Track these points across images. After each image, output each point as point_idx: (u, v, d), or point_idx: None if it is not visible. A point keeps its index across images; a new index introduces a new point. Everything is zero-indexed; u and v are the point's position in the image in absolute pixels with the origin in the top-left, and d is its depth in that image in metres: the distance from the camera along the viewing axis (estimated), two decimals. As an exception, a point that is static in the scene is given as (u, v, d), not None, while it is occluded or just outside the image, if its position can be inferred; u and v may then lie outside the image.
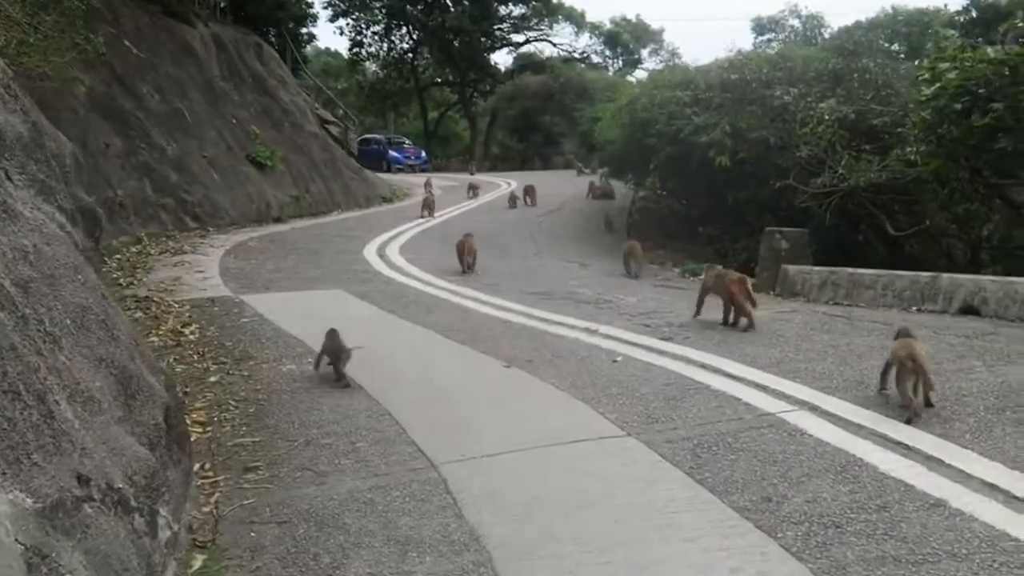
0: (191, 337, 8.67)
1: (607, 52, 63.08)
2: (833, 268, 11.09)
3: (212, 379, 7.18)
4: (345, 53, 62.14)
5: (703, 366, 6.93)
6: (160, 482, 3.69)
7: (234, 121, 22.48)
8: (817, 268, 11.29)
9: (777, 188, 14.02)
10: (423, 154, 49.83)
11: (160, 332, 8.90)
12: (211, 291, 11.04)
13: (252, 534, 4.14)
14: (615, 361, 7.23)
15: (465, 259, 13.21)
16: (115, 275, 12.08)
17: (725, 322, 8.59)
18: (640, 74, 55.95)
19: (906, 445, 4.91)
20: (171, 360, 7.72)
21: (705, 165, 15.34)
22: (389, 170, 42.32)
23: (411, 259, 14.12)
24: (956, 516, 3.99)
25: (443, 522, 4.17)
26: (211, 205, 18.65)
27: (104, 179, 15.24)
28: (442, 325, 8.95)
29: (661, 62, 61.70)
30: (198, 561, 3.90)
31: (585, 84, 49.41)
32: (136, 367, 4.19)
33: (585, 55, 60.62)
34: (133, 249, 14.26)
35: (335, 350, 7.04)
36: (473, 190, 28.81)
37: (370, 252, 14.92)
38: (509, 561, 3.76)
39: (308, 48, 45.89)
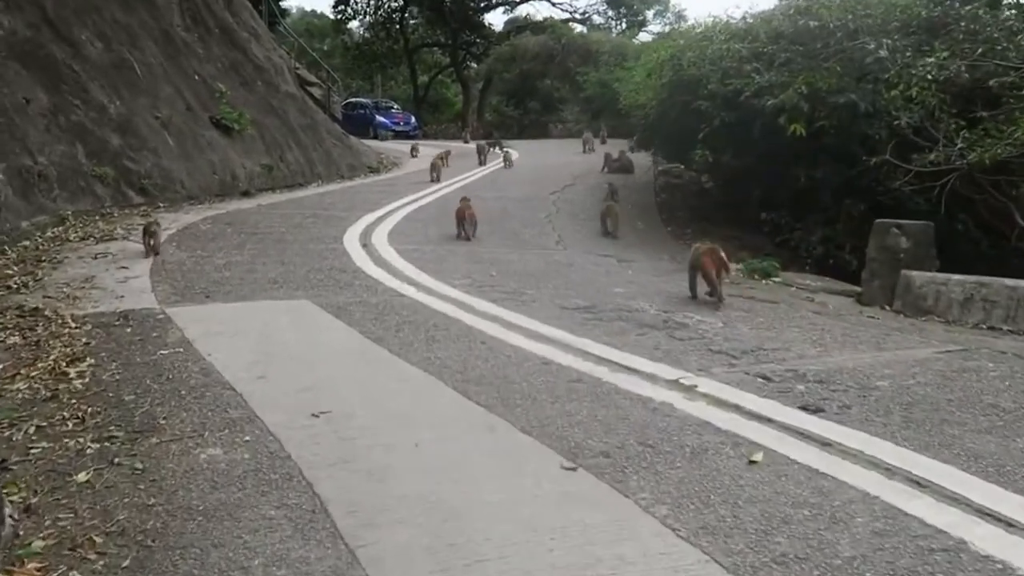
0: (77, 384, 5.70)
1: (609, 13, 59.64)
2: (981, 278, 8.12)
3: (82, 477, 4.25)
4: (330, 13, 58.63)
5: (919, 483, 3.96)
6: None
7: (196, 77, 19.33)
8: (957, 277, 8.33)
9: (873, 165, 11.04)
10: (413, 120, 46.72)
11: (34, 373, 5.97)
12: (130, 300, 8.00)
13: None
14: (752, 463, 4.26)
15: (465, 226, 12.47)
16: (8, 271, 9.04)
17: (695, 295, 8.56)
18: (644, 37, 52.62)
19: None
20: (29, 431, 4.86)
21: (770, 134, 12.32)
22: (376, 137, 39.04)
23: (404, 251, 11.07)
24: None
25: None
26: (163, 176, 15.54)
27: (20, 143, 12.15)
28: (453, 367, 5.98)
29: (667, 24, 58.44)
30: None
31: (589, 46, 46.14)
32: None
33: (586, 15, 57.20)
34: (49, 233, 11.17)
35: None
36: (481, 154, 26.78)
37: (352, 240, 11.86)
38: None
39: (288, 4, 42.54)
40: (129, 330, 7.01)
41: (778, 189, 12.92)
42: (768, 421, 4.85)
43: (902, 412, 5.00)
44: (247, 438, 4.68)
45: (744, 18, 14.75)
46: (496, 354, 6.36)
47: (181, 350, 6.46)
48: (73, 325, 7.13)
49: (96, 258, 9.92)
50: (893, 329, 7.61)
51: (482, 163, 26.48)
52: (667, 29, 55.63)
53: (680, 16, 59.80)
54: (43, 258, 9.73)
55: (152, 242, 10.36)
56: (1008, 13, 12.02)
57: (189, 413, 5.10)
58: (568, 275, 9.93)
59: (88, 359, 6.25)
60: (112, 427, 4.91)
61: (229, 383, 5.65)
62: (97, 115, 14.55)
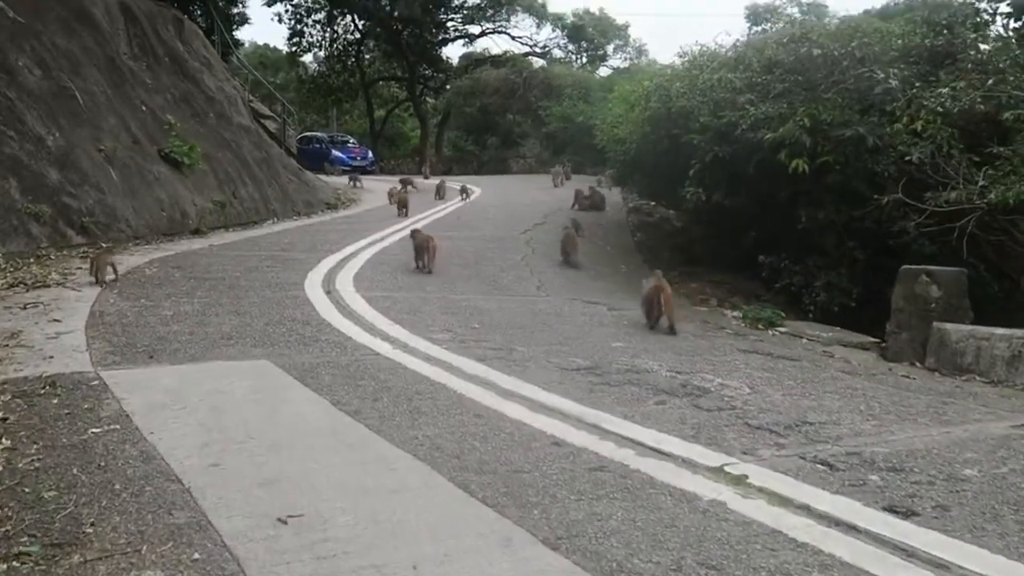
0: (-16, 476, 4.62)
1: (570, 47, 59.12)
2: (1030, 332, 7.25)
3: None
4: (283, 46, 57.61)
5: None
6: None
7: (144, 108, 18.16)
8: (1001, 331, 7.45)
9: (884, 204, 10.20)
10: (370, 154, 45.67)
11: (-66, 460, 4.86)
12: (59, 360, 6.85)
13: None
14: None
15: (426, 259, 12.31)
16: (-81, 327, 7.87)
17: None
18: (604, 71, 52.29)
19: None
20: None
21: (767, 171, 11.48)
22: (328, 173, 37.79)
23: (373, 299, 10.02)
24: None
25: None
26: (106, 213, 14.34)
27: (-58, 178, 10.94)
28: (447, 450, 4.97)
29: (627, 59, 58.18)
30: None
31: (551, 80, 45.51)
32: None
33: (547, 49, 56.55)
34: (-28, 279, 9.97)
35: None
36: (440, 192, 26.11)
37: (314, 286, 10.77)
38: None
39: (242, 37, 41.49)
40: (56, 400, 5.88)
41: (775, 230, 12.04)
42: (853, 530, 3.88)
43: (1014, 515, 4.05)
44: (196, 555, 3.65)
45: (735, 46, 13.96)
46: (496, 431, 5.35)
47: (117, 427, 5.36)
48: (-11, 394, 5.99)
49: (25, 308, 8.74)
50: (943, 395, 6.70)
51: (441, 197, 25.85)
52: (627, 64, 55.60)
53: (640, 51, 59.72)
54: (-38, 309, 8.54)
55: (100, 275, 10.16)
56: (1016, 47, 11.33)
57: (124, 517, 4.04)
58: (559, 327, 8.93)
59: (1, 440, 5.13)
60: (25, 537, 3.86)
61: (175, 473, 4.59)
62: (33, 147, 13.37)
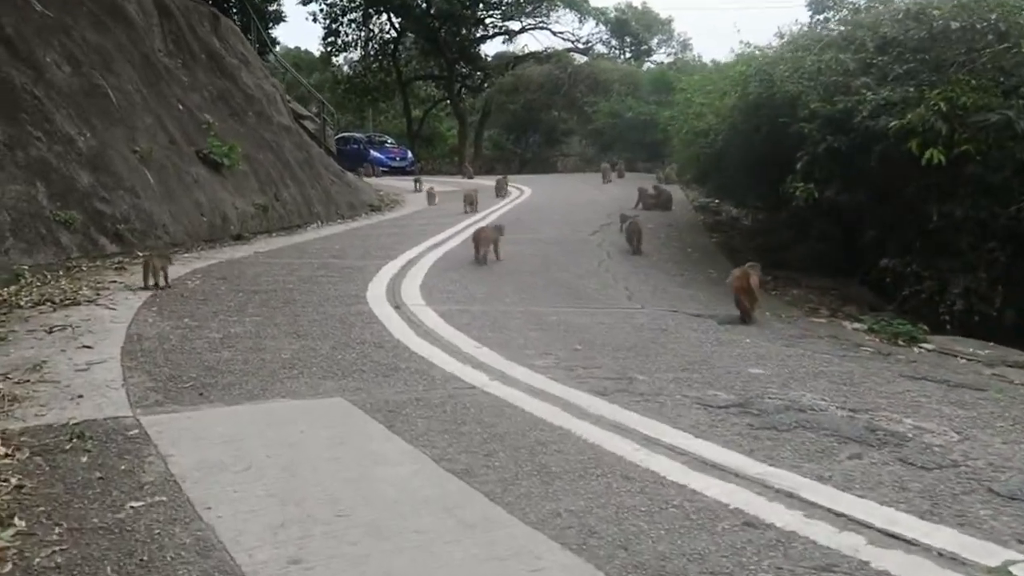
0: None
1: (613, 42, 57.62)
2: None
3: None
4: (317, 48, 56.64)
5: None
6: None
7: (180, 107, 17.01)
8: None
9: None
10: (409, 154, 44.48)
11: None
12: (90, 401, 5.61)
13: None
14: None
15: (481, 250, 12.27)
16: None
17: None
18: (648, 66, 50.80)
19: None
20: None
21: (890, 163, 10.03)
22: (368, 173, 36.55)
23: (447, 313, 8.71)
24: None
25: None
26: (142, 219, 13.16)
27: (-38, 183, 9.79)
28: (603, 535, 3.71)
29: (671, 54, 56.68)
30: None
31: (597, 75, 44.03)
32: None
33: (589, 44, 55.11)
34: (-6, 297, 8.77)
35: None
36: (500, 191, 25.84)
37: (378, 299, 9.49)
38: None
39: (277, 35, 40.44)
40: (86, 459, 4.63)
41: (897, 230, 10.58)
42: None
43: None
44: None
45: (842, 25, 12.47)
46: (660, 504, 4.02)
47: (163, 499, 4.11)
48: (1, 451, 4.74)
49: (51, 332, 7.51)
50: None
51: (502, 196, 25.64)
52: (671, 59, 54.12)
53: (685, 45, 58.24)
54: (-21, 334, 7.33)
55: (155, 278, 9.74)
56: None
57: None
58: (674, 348, 7.56)
59: (15, 520, 3.89)
60: None
61: (244, 573, 3.31)
62: (63, 149, 12.21)
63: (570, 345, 7.47)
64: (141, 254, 11.76)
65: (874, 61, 10.97)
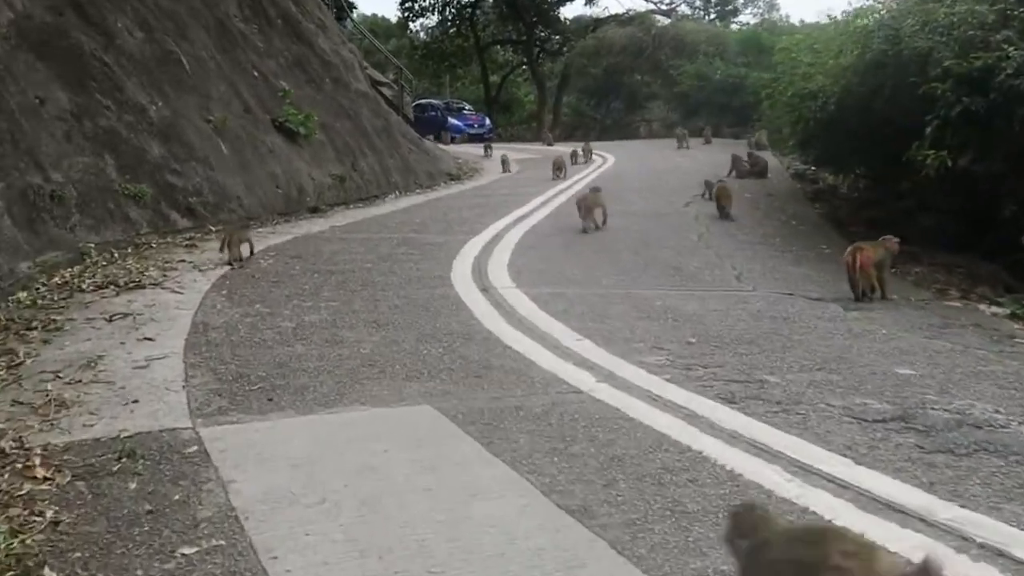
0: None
1: (697, 2, 55.91)
2: None
3: None
4: (394, 14, 56.02)
5: None
6: None
7: (256, 74, 16.41)
8: None
9: None
10: (487, 121, 43.70)
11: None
12: (145, 406, 4.94)
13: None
14: None
15: (585, 217, 11.96)
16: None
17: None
18: (734, 27, 49.02)
19: None
20: None
21: (1035, 128, 8.91)
22: (442, 140, 35.72)
23: (540, 298, 7.90)
24: None
25: None
26: (215, 192, 12.60)
27: (27, 155, 9.27)
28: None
29: (757, 14, 54.75)
30: None
31: (683, 37, 42.53)
32: None
33: (673, 4, 53.36)
34: (57, 278, 8.20)
35: None
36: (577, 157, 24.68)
37: (464, 281, 8.72)
38: None
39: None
40: (134, 486, 3.95)
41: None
42: None
43: None
44: None
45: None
46: None
47: (221, 543, 3.42)
48: (41, 473, 4.09)
49: (112, 321, 6.89)
50: None
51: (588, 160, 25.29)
52: (758, 19, 52.27)
53: (772, 5, 56.25)
54: (36, 322, 6.73)
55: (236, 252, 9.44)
56: None
57: None
58: (801, 340, 6.63)
59: (44, 572, 3.23)
60: None
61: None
62: (134, 119, 11.66)
63: (683, 337, 6.60)
64: (214, 229, 11.19)
65: (1016, 12, 9.76)
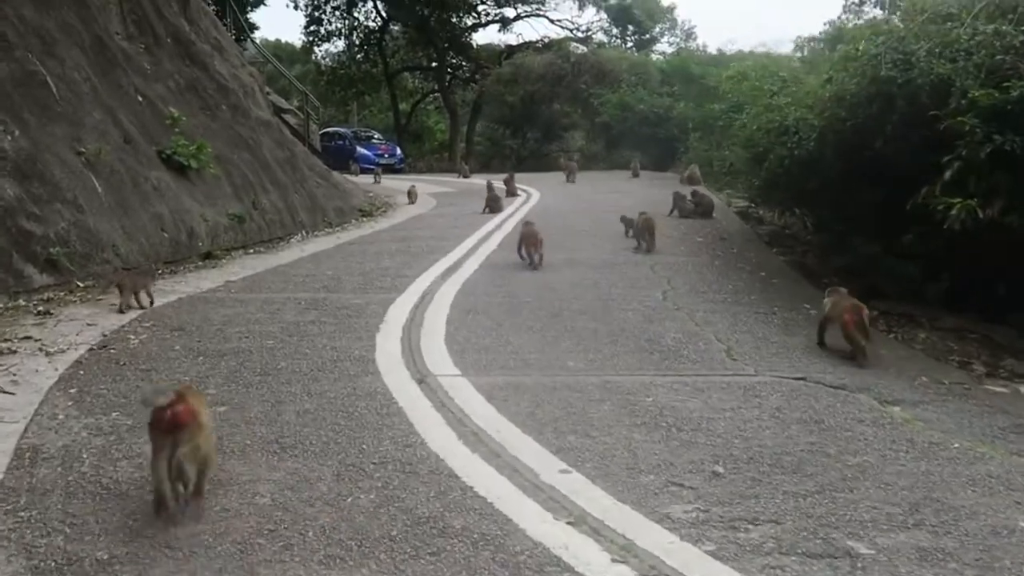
0: None
1: (614, 31, 54.84)
2: None
3: None
4: (298, 38, 53.93)
5: None
6: None
7: (140, 99, 14.29)
8: None
9: None
10: (398, 151, 41.82)
11: None
12: None
13: None
14: None
15: (532, 252, 11.67)
16: None
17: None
18: (655, 57, 48.13)
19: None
20: None
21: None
22: (351, 171, 33.57)
23: (494, 390, 6.06)
24: None
25: None
26: (85, 239, 10.46)
27: None
28: None
29: (674, 43, 54.13)
30: None
31: (603, 64, 41.22)
32: None
33: (589, 32, 52.12)
34: None
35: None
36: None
37: (393, 364, 6.82)
38: None
39: (255, 20, 37.60)
40: None
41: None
42: None
43: None
44: None
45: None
46: None
47: None
48: None
49: None
50: None
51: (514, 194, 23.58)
52: (674, 48, 51.71)
53: (689, 34, 55.83)
54: None
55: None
56: None
57: None
58: (854, 462, 4.88)
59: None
60: None
61: None
62: (-18, 151, 9.50)
63: (701, 461, 4.83)
64: (81, 285, 9.11)
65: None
